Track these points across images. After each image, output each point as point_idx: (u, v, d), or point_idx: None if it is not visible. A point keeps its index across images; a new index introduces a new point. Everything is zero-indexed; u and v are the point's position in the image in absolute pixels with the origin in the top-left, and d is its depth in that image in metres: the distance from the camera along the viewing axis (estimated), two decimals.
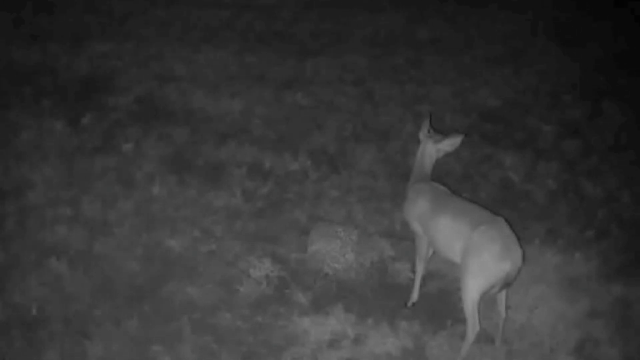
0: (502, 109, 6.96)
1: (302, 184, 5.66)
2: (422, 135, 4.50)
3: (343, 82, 7.35)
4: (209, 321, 4.33)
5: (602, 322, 4.38)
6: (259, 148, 6.05)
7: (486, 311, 4.24)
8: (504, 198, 5.59)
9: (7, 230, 4.93)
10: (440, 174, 4.84)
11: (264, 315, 4.41)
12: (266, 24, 8.78)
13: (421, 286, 4.54)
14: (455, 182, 5.55)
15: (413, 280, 4.58)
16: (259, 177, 5.68)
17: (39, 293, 4.39)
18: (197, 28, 8.56)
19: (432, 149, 4.46)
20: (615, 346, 4.23)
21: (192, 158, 5.91)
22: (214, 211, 5.29)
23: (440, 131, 4.60)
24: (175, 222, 5.13)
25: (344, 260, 4.76)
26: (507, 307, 4.18)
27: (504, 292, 4.07)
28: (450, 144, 4.44)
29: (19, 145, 5.90)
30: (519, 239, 3.95)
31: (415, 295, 4.53)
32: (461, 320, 4.11)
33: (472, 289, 3.87)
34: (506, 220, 4.00)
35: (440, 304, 4.55)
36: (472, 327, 3.93)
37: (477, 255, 3.85)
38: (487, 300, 4.12)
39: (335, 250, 4.77)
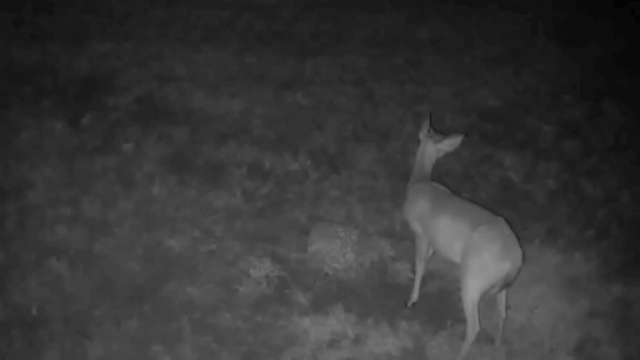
0: (502, 109, 6.96)
1: (302, 184, 5.66)
2: (422, 135, 4.50)
3: (343, 82, 7.35)
4: (209, 321, 4.33)
5: (602, 322, 4.38)
6: (259, 148, 6.05)
7: (486, 311, 4.24)
8: (504, 198, 5.59)
9: (7, 230, 4.93)
10: (440, 174, 4.84)
11: (264, 315, 4.41)
12: (266, 24, 8.78)
13: (421, 286, 4.54)
14: (455, 182, 5.55)
15: (413, 280, 4.58)
16: (259, 177, 5.69)
17: (39, 293, 4.39)
18: (197, 28, 8.56)
19: (432, 149, 4.46)
20: (615, 346, 4.23)
21: (192, 158, 5.91)
22: (214, 211, 5.29)
23: (440, 131, 4.60)
24: (175, 222, 5.13)
25: (344, 260, 4.76)
26: (507, 307, 4.18)
27: (504, 292, 4.07)
28: (450, 144, 4.44)
29: (19, 145, 5.90)
30: (519, 239, 3.95)
31: (415, 295, 4.53)
32: (461, 320, 4.11)
33: (472, 289, 3.87)
34: (506, 220, 4.00)
35: (440, 304, 4.55)
36: (472, 327, 3.93)
37: (477, 255, 3.85)
38: (487, 300, 4.12)
39: (335, 250, 4.77)
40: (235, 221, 5.20)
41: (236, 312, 4.41)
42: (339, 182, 5.70)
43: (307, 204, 5.42)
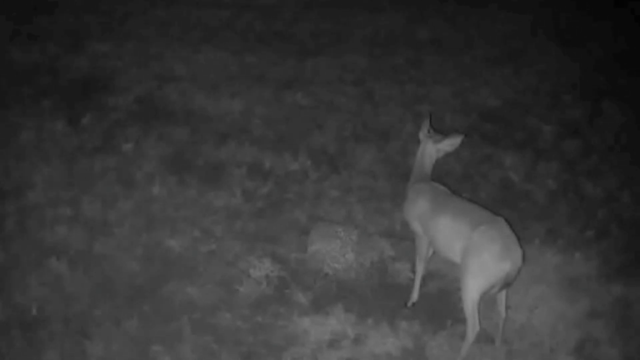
0: (502, 109, 6.96)
1: (302, 184, 5.66)
2: (422, 135, 4.50)
3: (343, 82, 7.34)
4: (209, 321, 4.33)
5: (602, 322, 4.38)
6: (259, 148, 6.05)
7: (486, 311, 4.24)
8: (504, 198, 5.59)
9: (7, 230, 4.93)
10: (440, 174, 4.84)
11: (264, 315, 4.41)
12: (266, 24, 8.78)
13: (421, 286, 4.54)
14: (455, 182, 5.55)
15: (413, 280, 4.58)
16: (259, 177, 5.68)
17: (39, 293, 4.39)
18: (197, 28, 8.56)
19: (432, 149, 4.46)
20: (615, 346, 4.23)
21: (192, 158, 5.91)
22: (214, 211, 5.29)
23: (440, 131, 4.60)
24: (175, 222, 5.13)
25: (344, 260, 4.76)
26: (507, 307, 4.18)
27: (504, 292, 4.07)
28: (450, 144, 4.44)
29: (19, 145, 5.90)
30: (519, 239, 3.95)
31: (415, 295, 4.53)
32: (461, 320, 4.11)
33: (472, 289, 3.87)
34: (506, 220, 4.00)
35: (440, 304, 4.55)
36: (472, 327, 3.93)
37: (477, 255, 3.85)
38: (487, 300, 4.12)
39: (335, 250, 4.77)
40: (235, 221, 5.20)
41: (236, 312, 4.41)
42: (339, 182, 5.70)
43: (307, 204, 5.42)
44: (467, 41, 8.53)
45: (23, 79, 6.99)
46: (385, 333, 4.27)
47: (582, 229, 5.26)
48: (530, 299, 4.49)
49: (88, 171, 5.62)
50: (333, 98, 6.99)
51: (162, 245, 4.90)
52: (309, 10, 9.22)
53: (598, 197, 5.66)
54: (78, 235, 4.91)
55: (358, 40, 8.46)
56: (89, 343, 4.08)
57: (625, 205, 5.57)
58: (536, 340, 4.25)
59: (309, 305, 4.48)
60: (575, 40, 8.53)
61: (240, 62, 7.69)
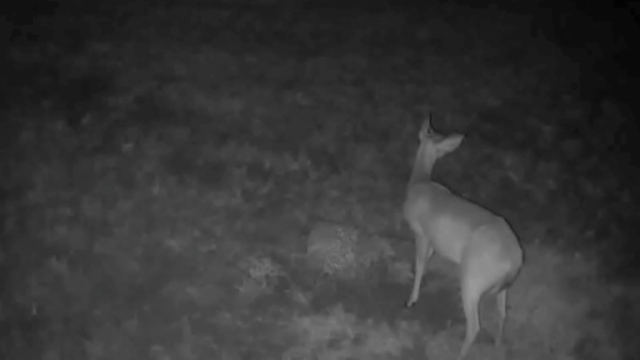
0: (502, 109, 6.96)
1: (302, 184, 5.66)
2: (422, 135, 4.49)
3: (343, 82, 7.34)
4: (209, 321, 4.33)
5: (602, 322, 4.38)
6: (259, 148, 6.05)
7: (486, 311, 4.24)
8: (504, 198, 5.59)
9: (7, 230, 4.93)
10: (440, 174, 4.84)
11: (264, 315, 4.41)
12: (266, 24, 8.78)
13: (421, 286, 4.54)
14: (455, 182, 5.55)
15: (413, 280, 4.58)
16: (259, 177, 5.68)
17: (39, 293, 4.39)
18: (197, 28, 8.56)
19: (432, 149, 4.46)
20: (615, 346, 4.23)
21: (192, 158, 5.91)
22: (214, 211, 5.29)
23: (440, 131, 4.60)
24: (175, 222, 5.13)
25: (344, 260, 4.76)
26: (507, 307, 4.18)
27: (504, 292, 4.07)
28: (450, 144, 4.44)
29: (19, 145, 5.90)
30: (519, 239, 3.95)
31: (415, 295, 4.53)
32: (461, 320, 4.11)
33: (472, 289, 3.87)
34: (506, 220, 4.00)
35: (440, 304, 4.55)
36: (472, 327, 3.93)
37: (477, 255, 3.85)
38: (487, 300, 4.12)
39: (335, 250, 4.77)
40: (235, 221, 5.20)
41: (236, 312, 4.41)
42: (339, 182, 5.70)
43: (307, 204, 5.42)
44: (467, 41, 8.53)
45: (23, 79, 6.99)
46: (385, 333, 4.27)
47: (582, 229, 5.26)
48: (530, 299, 4.49)
49: (88, 171, 5.62)
50: (333, 98, 6.99)
51: (162, 245, 4.90)
52: (309, 10, 9.22)
53: (598, 197, 5.66)
54: (78, 235, 4.91)
55: (358, 40, 8.46)
56: (89, 343, 4.08)
57: (625, 205, 5.57)
58: (536, 340, 4.25)
59: (309, 305, 4.48)
60: (575, 40, 8.53)
61: (240, 62, 7.69)
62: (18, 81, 6.93)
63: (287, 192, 5.56)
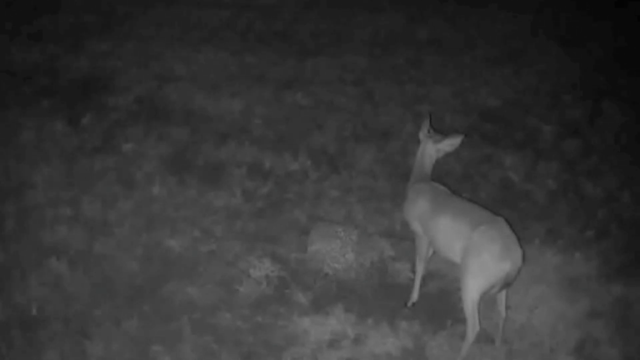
0: (502, 109, 6.96)
1: (302, 184, 5.66)
2: (422, 135, 4.49)
3: (343, 82, 7.35)
4: (209, 321, 4.33)
5: (602, 322, 4.38)
6: (259, 148, 6.05)
7: (486, 311, 4.24)
8: (504, 198, 5.58)
9: (7, 230, 4.93)
10: (440, 174, 4.84)
11: (264, 315, 4.40)
12: (266, 24, 8.78)
13: (421, 286, 4.54)
14: (455, 182, 5.55)
15: (413, 280, 4.58)
16: (259, 177, 5.69)
17: (39, 293, 4.39)
18: (197, 28, 8.56)
19: (432, 149, 4.45)
20: (615, 346, 4.23)
21: (192, 158, 5.91)
22: (214, 211, 5.29)
23: (440, 131, 4.60)
24: (175, 222, 5.13)
25: (344, 260, 4.76)
26: (507, 307, 4.18)
27: (504, 292, 4.07)
28: (450, 144, 4.44)
29: (19, 145, 5.90)
30: (519, 239, 3.95)
31: (415, 295, 4.53)
32: (461, 320, 4.11)
33: (472, 289, 3.87)
34: (506, 220, 4.00)
35: (440, 304, 4.55)
36: (472, 327, 3.93)
37: (477, 255, 3.85)
38: (487, 300, 4.12)
39: (335, 250, 4.77)
40: (235, 221, 5.20)
41: (236, 312, 4.41)
42: (339, 182, 5.70)
43: (307, 204, 5.42)
44: (467, 41, 8.53)
45: (23, 79, 6.99)
46: (385, 333, 4.27)
47: (582, 229, 5.26)
48: (530, 299, 4.49)
49: (88, 171, 5.62)
50: (333, 98, 6.99)
51: (162, 245, 4.90)
52: (309, 10, 9.23)
53: (598, 197, 5.66)
54: (78, 235, 4.90)
55: (358, 40, 8.46)
56: (89, 343, 4.08)
57: (625, 205, 5.57)
58: (536, 340, 4.25)
59: (309, 305, 4.47)
60: (575, 40, 8.54)
61: (240, 62, 7.70)
62: (18, 81, 6.93)
63: (287, 192, 5.56)
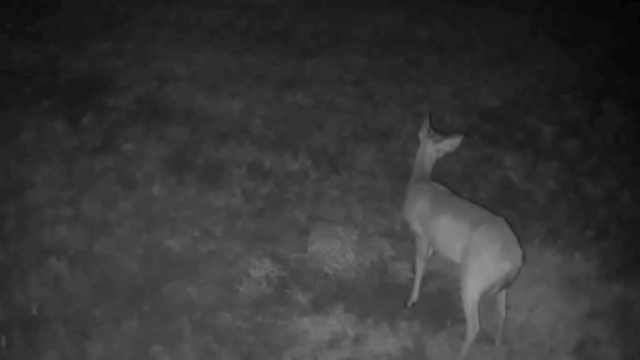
0: (502, 109, 6.97)
1: (302, 184, 5.66)
2: (422, 135, 4.49)
3: (343, 82, 7.35)
4: (209, 321, 4.33)
5: (602, 322, 4.38)
6: (259, 148, 6.05)
7: (486, 311, 4.24)
8: (504, 198, 5.59)
9: (7, 230, 4.93)
10: (440, 174, 4.84)
11: (264, 315, 4.40)
12: (266, 24, 8.78)
13: (421, 286, 4.54)
14: (455, 182, 5.55)
15: (413, 280, 4.58)
16: (259, 177, 5.69)
17: (39, 293, 4.39)
18: (197, 28, 8.56)
19: (432, 149, 4.45)
20: (615, 346, 4.23)
21: (192, 158, 5.91)
22: (214, 211, 5.29)
23: (440, 131, 4.60)
24: (175, 222, 5.13)
25: (344, 260, 4.76)
26: (507, 307, 4.18)
27: (504, 292, 4.07)
28: (450, 144, 4.44)
29: (19, 145, 5.90)
30: (519, 239, 3.95)
31: (415, 295, 4.53)
32: (461, 320, 4.11)
33: (472, 289, 3.87)
34: (506, 220, 4.00)
35: (440, 304, 4.55)
36: (472, 327, 3.93)
37: (477, 255, 3.85)
38: (487, 300, 4.12)
39: (335, 250, 4.77)
40: (235, 221, 5.20)
41: (236, 312, 4.41)
42: (339, 182, 5.70)
43: (307, 204, 5.42)
44: (467, 41, 8.53)
45: (23, 79, 6.99)
46: (385, 333, 4.27)
47: (582, 229, 5.26)
48: (530, 299, 4.49)
49: (88, 171, 5.62)
50: (333, 98, 6.99)
51: (162, 245, 4.90)
52: (309, 10, 9.23)
53: (598, 197, 5.66)
54: (78, 235, 4.90)
55: (358, 40, 8.46)
56: (89, 343, 4.08)
57: (625, 205, 5.57)
58: (536, 340, 4.25)
59: (309, 305, 4.47)
60: (575, 40, 8.54)
61: (240, 62, 7.69)
62: (18, 81, 6.93)
63: (287, 192, 5.56)
